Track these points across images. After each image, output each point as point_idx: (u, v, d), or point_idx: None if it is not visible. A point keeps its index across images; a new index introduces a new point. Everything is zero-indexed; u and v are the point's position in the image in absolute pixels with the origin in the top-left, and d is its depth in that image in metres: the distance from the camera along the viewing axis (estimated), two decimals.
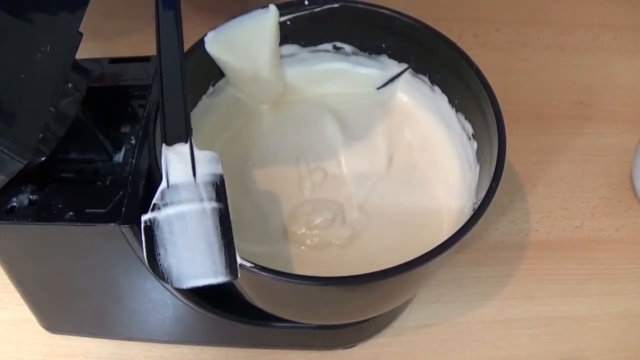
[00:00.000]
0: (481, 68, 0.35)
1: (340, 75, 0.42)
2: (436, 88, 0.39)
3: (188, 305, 0.39)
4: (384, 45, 0.40)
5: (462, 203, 0.37)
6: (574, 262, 0.48)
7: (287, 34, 0.39)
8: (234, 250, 0.28)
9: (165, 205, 0.28)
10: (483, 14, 0.63)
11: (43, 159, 0.33)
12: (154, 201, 0.28)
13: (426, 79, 0.40)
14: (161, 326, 0.43)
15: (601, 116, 0.56)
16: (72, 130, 0.34)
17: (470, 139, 0.37)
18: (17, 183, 0.32)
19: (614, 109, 0.57)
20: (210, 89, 0.39)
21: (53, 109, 0.31)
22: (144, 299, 0.40)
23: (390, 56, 0.40)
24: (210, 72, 0.39)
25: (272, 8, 0.38)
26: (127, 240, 0.32)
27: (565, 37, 0.62)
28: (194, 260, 0.27)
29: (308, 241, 0.36)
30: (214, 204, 0.28)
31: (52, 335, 0.45)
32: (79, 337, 0.45)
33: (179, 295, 0.38)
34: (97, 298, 0.41)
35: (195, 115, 0.38)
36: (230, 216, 0.28)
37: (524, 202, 0.51)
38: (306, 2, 0.38)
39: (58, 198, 0.32)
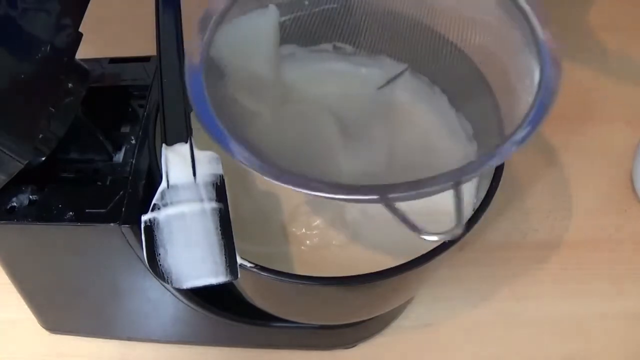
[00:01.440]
0: None
1: (340, 75, 0.42)
2: (436, 88, 0.39)
3: (188, 305, 0.39)
4: (384, 45, 0.40)
5: None
6: (574, 262, 0.48)
7: (287, 34, 0.39)
8: (234, 250, 0.28)
9: (165, 205, 0.28)
10: None
11: (43, 159, 0.33)
12: (154, 201, 0.28)
13: (426, 79, 0.40)
14: (161, 326, 0.43)
15: (601, 116, 0.56)
16: (72, 130, 0.34)
17: (470, 139, 0.37)
18: (17, 183, 0.32)
19: (614, 109, 0.56)
20: None
21: (53, 109, 0.31)
22: (144, 299, 0.40)
23: (390, 56, 0.40)
24: None
25: (272, 8, 0.38)
26: (127, 240, 0.32)
27: (566, 37, 0.61)
28: (194, 260, 0.27)
29: (308, 241, 0.36)
30: (214, 204, 0.28)
31: (52, 335, 0.45)
32: (79, 337, 0.45)
33: (179, 295, 0.38)
34: (97, 298, 0.41)
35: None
36: (231, 216, 0.28)
37: (524, 202, 0.51)
38: (306, 2, 0.38)
39: (58, 198, 0.33)
